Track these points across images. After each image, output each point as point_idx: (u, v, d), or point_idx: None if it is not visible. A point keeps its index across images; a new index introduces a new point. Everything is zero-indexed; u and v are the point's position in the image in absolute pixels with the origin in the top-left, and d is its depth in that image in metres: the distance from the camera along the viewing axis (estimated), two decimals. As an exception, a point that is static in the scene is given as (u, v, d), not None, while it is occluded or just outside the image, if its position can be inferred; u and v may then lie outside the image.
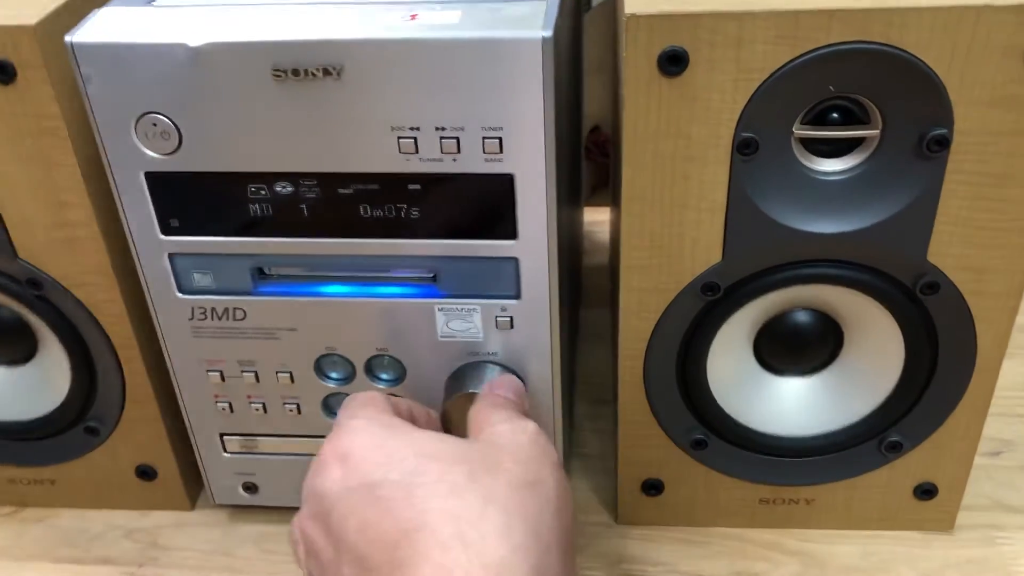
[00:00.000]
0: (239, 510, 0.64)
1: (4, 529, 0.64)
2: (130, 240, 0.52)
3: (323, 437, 0.57)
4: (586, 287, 0.83)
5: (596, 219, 0.91)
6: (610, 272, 0.84)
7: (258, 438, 0.59)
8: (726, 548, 0.60)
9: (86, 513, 0.64)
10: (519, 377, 0.54)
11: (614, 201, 0.69)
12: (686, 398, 0.56)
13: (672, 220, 0.49)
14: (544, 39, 0.43)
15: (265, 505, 0.62)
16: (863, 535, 0.60)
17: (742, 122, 0.46)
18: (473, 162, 0.47)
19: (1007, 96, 0.44)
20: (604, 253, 0.89)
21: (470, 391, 0.52)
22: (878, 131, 0.46)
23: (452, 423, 0.53)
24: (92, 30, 0.46)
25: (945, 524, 0.60)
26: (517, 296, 0.51)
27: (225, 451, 0.60)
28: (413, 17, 0.45)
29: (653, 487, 0.59)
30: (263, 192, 0.49)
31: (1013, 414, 0.68)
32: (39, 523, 0.64)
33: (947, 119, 0.45)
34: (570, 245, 0.62)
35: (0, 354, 0.60)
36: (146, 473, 0.62)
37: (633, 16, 0.43)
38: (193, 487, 0.64)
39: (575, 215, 0.65)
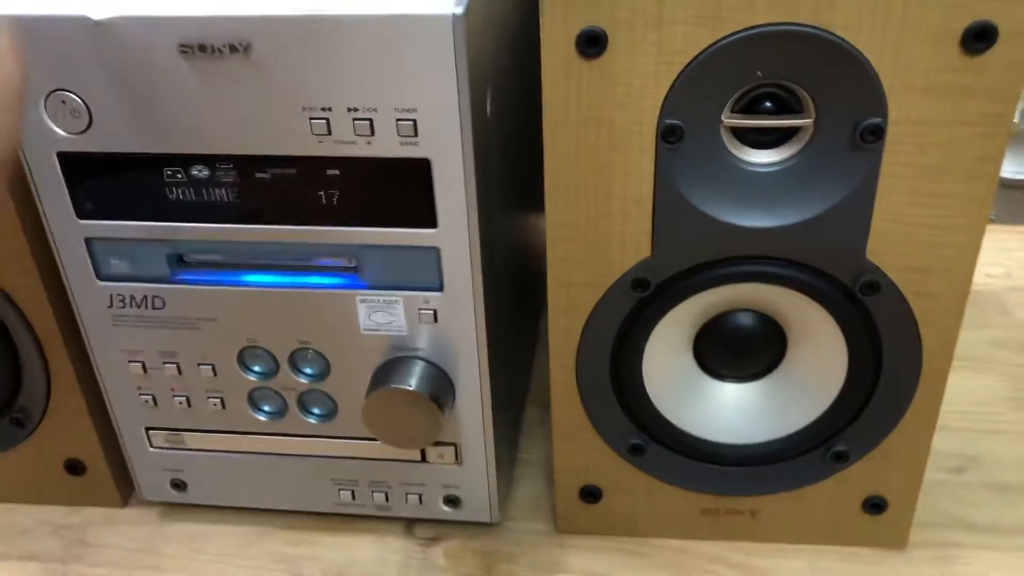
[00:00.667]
0: (171, 508, 0.62)
1: (-69, 521, 0.62)
2: (46, 224, 0.50)
3: (251, 434, 0.56)
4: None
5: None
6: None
7: (184, 433, 0.57)
8: (667, 560, 0.57)
9: (18, 508, 0.63)
10: (447, 376, 0.52)
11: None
12: (621, 401, 0.53)
13: (598, 212, 0.47)
14: (455, 16, 0.42)
15: (193, 503, 0.61)
16: (811, 550, 0.57)
17: (666, 108, 0.44)
18: (388, 145, 0.45)
19: (943, 84, 0.42)
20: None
21: (392, 386, 0.50)
22: (811, 121, 0.44)
23: (372, 420, 0.51)
24: (-2, 3, 0.45)
25: (897, 541, 0.57)
26: (440, 288, 0.49)
27: (151, 446, 0.58)
28: (324, -7, 0.43)
29: (591, 494, 0.57)
30: (179, 175, 0.48)
31: (978, 430, 0.65)
32: (-32, 517, 0.63)
33: (881, 108, 0.43)
34: (516, 242, 0.60)
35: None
36: (75, 467, 0.61)
37: (548, -6, 0.41)
38: (125, 483, 0.62)
39: (525, 211, 0.63)
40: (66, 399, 0.57)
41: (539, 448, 0.66)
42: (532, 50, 0.44)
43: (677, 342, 0.53)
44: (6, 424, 0.59)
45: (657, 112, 0.44)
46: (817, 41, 0.41)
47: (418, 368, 0.51)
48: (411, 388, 0.50)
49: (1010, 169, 1.10)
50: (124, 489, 0.63)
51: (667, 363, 0.53)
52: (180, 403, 0.56)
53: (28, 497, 0.63)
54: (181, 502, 0.61)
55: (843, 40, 0.41)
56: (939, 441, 0.54)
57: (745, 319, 0.52)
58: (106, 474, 0.61)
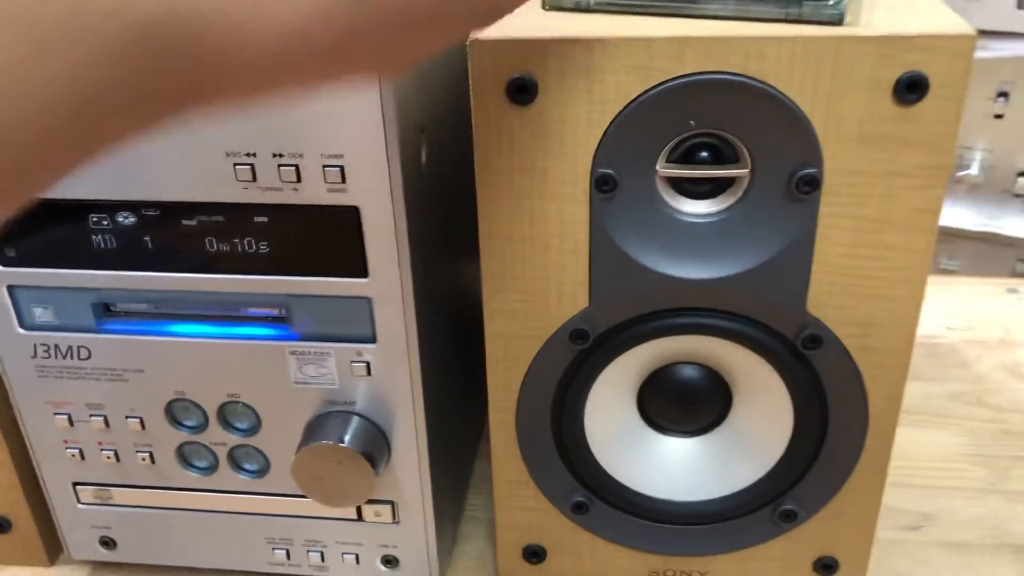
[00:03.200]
0: (100, 567, 0.60)
1: None
2: (-33, 271, 0.49)
3: (181, 490, 0.54)
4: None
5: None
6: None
7: (112, 488, 0.55)
8: (613, 623, 0.55)
9: (-60, 567, 0.60)
10: (381, 431, 0.50)
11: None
12: (563, 456, 0.52)
13: (534, 262, 0.46)
14: (380, 62, 0.41)
15: (124, 562, 0.58)
16: (762, 613, 0.55)
17: (599, 157, 0.43)
18: (315, 192, 0.44)
19: (878, 134, 0.41)
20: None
21: (322, 442, 0.49)
22: (747, 171, 0.43)
23: (302, 478, 0.50)
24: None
25: (850, 603, 0.55)
26: (373, 339, 0.48)
27: (79, 502, 0.56)
28: (250, 38, 0.42)
29: (535, 554, 0.55)
30: (105, 222, 0.46)
31: (936, 487, 0.64)
32: None
33: (816, 158, 0.42)
34: (460, 291, 0.59)
35: None
36: (0, 525, 0.58)
37: (476, 41, 0.41)
38: (52, 541, 0.60)
39: (460, 262, 0.61)
40: (-10, 453, 0.55)
41: (488, 505, 0.64)
42: (468, 96, 0.43)
43: (620, 395, 0.52)
44: (-72, 479, 0.57)
45: (590, 161, 0.43)
46: (748, 90, 0.41)
47: (351, 423, 0.50)
48: (342, 444, 0.48)
49: (974, 221, 1.10)
50: (51, 548, 0.60)
51: (610, 417, 0.52)
52: (108, 457, 0.53)
53: (-48, 555, 0.60)
54: (111, 560, 0.58)
55: (774, 89, 0.41)
56: (895, 498, 0.53)
57: (689, 372, 0.51)
58: (32, 532, 0.59)
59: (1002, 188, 1.02)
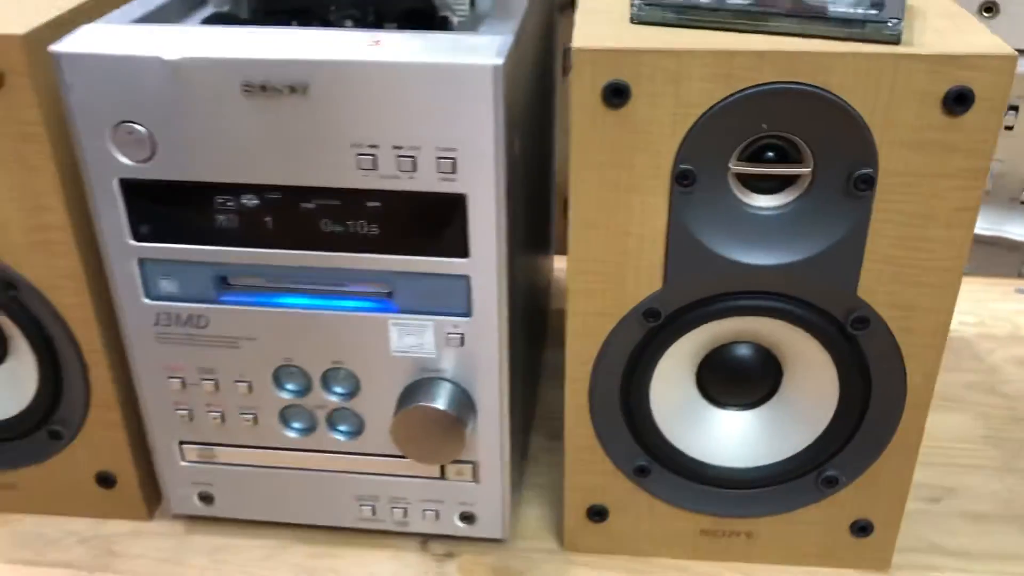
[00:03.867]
0: (195, 522, 0.65)
1: (-37, 530, 0.65)
2: (102, 244, 0.54)
3: (280, 449, 0.59)
4: (552, 329, 0.85)
5: (562, 267, 0.94)
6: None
7: (216, 448, 0.61)
8: (667, 578, 0.61)
9: (44, 519, 0.66)
10: (470, 397, 0.56)
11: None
12: (629, 424, 0.58)
13: (616, 247, 0.52)
14: (496, 67, 0.46)
15: (221, 517, 0.64)
16: (802, 571, 0.61)
17: (681, 154, 0.49)
18: (428, 181, 0.50)
19: (926, 140, 0.47)
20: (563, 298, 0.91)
21: (422, 404, 0.54)
22: (809, 170, 0.49)
23: (400, 436, 0.55)
24: (76, 42, 0.49)
25: (881, 563, 0.61)
26: (468, 314, 0.54)
27: (183, 460, 0.61)
28: (377, 43, 0.48)
29: (598, 513, 0.61)
30: (230, 203, 0.52)
31: (954, 464, 0.70)
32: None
33: (872, 160, 0.48)
34: (529, 278, 0.65)
35: (-29, 357, 0.62)
36: (106, 480, 0.64)
37: (579, 50, 0.46)
38: (152, 497, 0.65)
39: (537, 251, 0.67)
40: (103, 413, 0.61)
41: (544, 473, 0.70)
42: (543, 98, 0.48)
43: (681, 371, 0.57)
44: (43, 436, 0.62)
45: (673, 158, 0.49)
46: (816, 98, 0.47)
47: (445, 388, 0.55)
48: (440, 407, 0.54)
49: (982, 226, 1.16)
50: (150, 503, 0.66)
51: (672, 390, 0.57)
52: (215, 419, 0.59)
53: (56, 509, 0.65)
54: (206, 515, 0.64)
55: (839, 98, 0.46)
56: (918, 473, 0.58)
57: (744, 351, 0.57)
58: (135, 488, 0.64)
59: (1010, 196, 1.08)
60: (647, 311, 0.53)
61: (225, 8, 0.58)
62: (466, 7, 0.59)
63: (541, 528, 0.65)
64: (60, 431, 0.62)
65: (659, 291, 0.53)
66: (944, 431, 0.72)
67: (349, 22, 0.59)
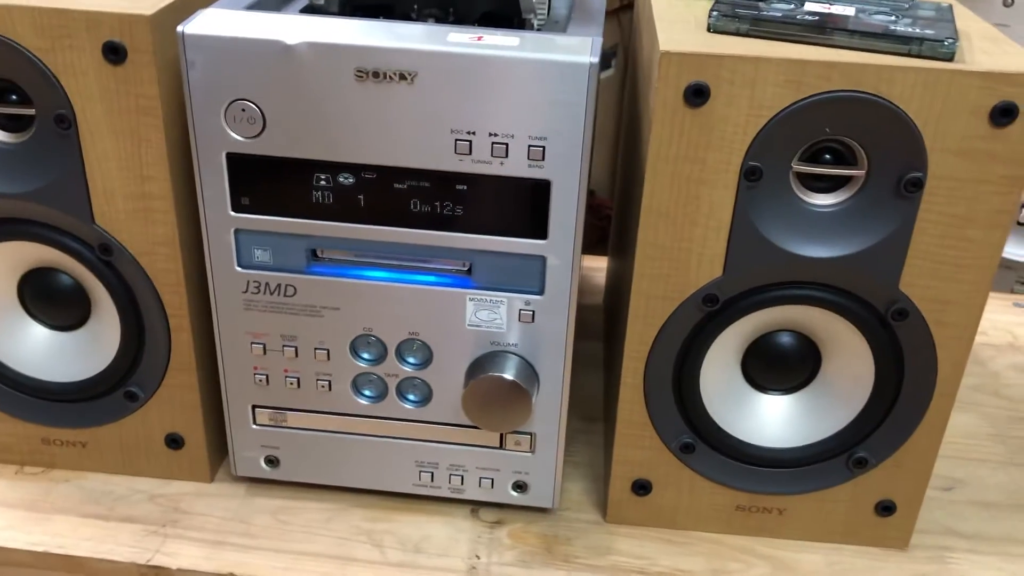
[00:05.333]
0: (256, 485, 0.69)
1: (34, 485, 0.68)
2: (202, 215, 0.58)
3: (349, 415, 0.63)
4: (580, 321, 0.90)
5: (589, 265, 0.99)
6: (605, 310, 0.91)
7: (287, 412, 0.64)
8: (704, 550, 0.65)
9: (111, 478, 0.69)
10: (535, 371, 0.60)
11: (618, 246, 0.76)
12: (679, 403, 0.62)
13: (683, 235, 0.56)
14: (591, 64, 0.51)
15: (282, 480, 0.67)
16: (827, 547, 0.66)
17: (750, 152, 0.53)
18: (517, 167, 0.54)
19: (972, 149, 0.52)
20: (596, 295, 0.96)
21: (488, 374, 0.59)
22: (864, 172, 0.54)
23: (471, 404, 0.59)
24: (201, 23, 0.53)
25: (901, 541, 0.66)
26: (541, 292, 0.58)
27: (254, 423, 0.65)
28: (479, 38, 0.53)
29: (643, 487, 0.65)
30: (327, 180, 0.56)
31: (965, 457, 0.75)
32: (67, 483, 0.68)
33: (922, 164, 0.53)
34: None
35: (53, 318, 0.66)
36: (175, 441, 0.67)
37: (666, 53, 0.51)
38: (215, 460, 0.69)
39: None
40: (181, 377, 0.64)
41: (581, 452, 0.74)
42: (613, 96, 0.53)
43: (729, 357, 0.62)
44: (119, 397, 0.66)
45: (743, 155, 0.54)
46: (877, 106, 0.52)
47: (514, 362, 0.60)
48: (512, 378, 0.58)
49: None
50: (213, 465, 0.69)
51: (719, 374, 0.62)
52: (290, 384, 0.63)
53: (123, 468, 0.69)
54: (270, 478, 0.67)
55: (898, 107, 0.52)
56: (932, 464, 0.64)
57: (787, 338, 0.61)
58: (201, 450, 0.68)
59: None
60: (706, 296, 0.58)
61: (320, 1, 0.62)
62: (545, 11, 0.63)
63: (584, 502, 0.69)
64: (136, 393, 0.65)
65: (719, 278, 0.57)
66: (952, 429, 0.77)
67: (431, 20, 0.64)
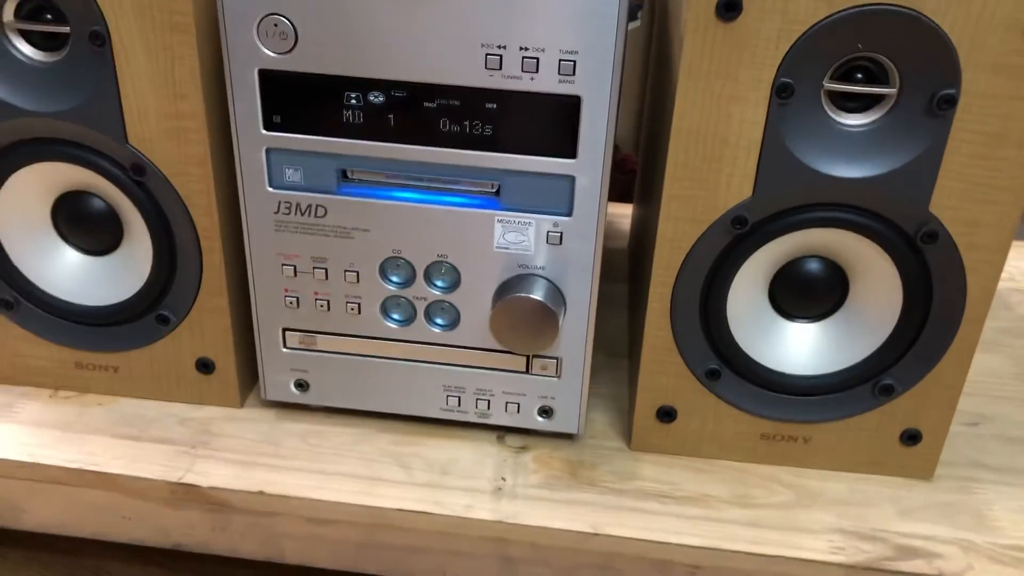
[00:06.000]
0: (285, 410, 0.69)
1: (68, 407, 0.69)
2: (234, 133, 0.58)
3: (378, 339, 0.64)
4: (605, 262, 0.90)
5: (614, 212, 1.00)
6: (630, 254, 0.91)
7: (317, 335, 0.65)
8: (728, 477, 0.66)
9: (142, 403, 0.70)
10: (562, 293, 0.61)
11: (644, 193, 0.76)
12: (706, 329, 0.62)
13: (713, 155, 0.56)
14: (623, -24, 0.51)
15: (311, 405, 0.68)
16: (852, 477, 0.66)
17: (782, 68, 0.53)
18: (547, 82, 0.54)
19: (1007, 64, 0.52)
20: (620, 239, 0.96)
21: (517, 294, 0.59)
22: (895, 90, 0.54)
23: (497, 329, 0.60)
24: (235, -63, 0.53)
25: (926, 472, 0.66)
26: (569, 213, 0.58)
27: (285, 346, 0.66)
28: (511, -48, 0.53)
29: (667, 414, 0.66)
30: (358, 98, 0.56)
31: (990, 395, 0.75)
32: (100, 406, 0.69)
33: (956, 81, 0.53)
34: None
35: (86, 243, 0.66)
36: (206, 366, 0.68)
37: (699, -35, 0.51)
38: (245, 385, 0.70)
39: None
40: (212, 300, 0.65)
41: (606, 384, 0.74)
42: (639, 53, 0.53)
43: (756, 283, 0.62)
44: (151, 321, 0.67)
45: (775, 71, 0.53)
46: (911, 21, 0.51)
47: (542, 284, 0.60)
48: (539, 298, 0.59)
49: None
50: (243, 391, 0.70)
51: (747, 300, 0.62)
52: (321, 306, 0.63)
53: (155, 393, 0.70)
54: (300, 403, 0.68)
55: (932, 21, 0.51)
56: (959, 403, 0.63)
57: (815, 264, 0.61)
58: (232, 375, 0.68)
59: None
60: (736, 218, 0.58)
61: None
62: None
63: (608, 430, 0.70)
64: (168, 316, 0.66)
65: (748, 199, 0.57)
66: (979, 367, 0.77)
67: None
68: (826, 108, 0.55)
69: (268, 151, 0.59)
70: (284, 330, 0.65)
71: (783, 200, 0.57)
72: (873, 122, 0.55)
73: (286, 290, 0.63)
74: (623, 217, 1.00)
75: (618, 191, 0.99)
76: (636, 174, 0.94)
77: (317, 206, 0.60)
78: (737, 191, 0.57)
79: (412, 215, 0.60)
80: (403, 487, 0.63)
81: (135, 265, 0.65)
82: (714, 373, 0.64)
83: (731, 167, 0.57)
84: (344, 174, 0.59)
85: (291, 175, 0.59)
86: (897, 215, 0.57)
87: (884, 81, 0.54)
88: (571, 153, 0.56)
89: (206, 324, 0.66)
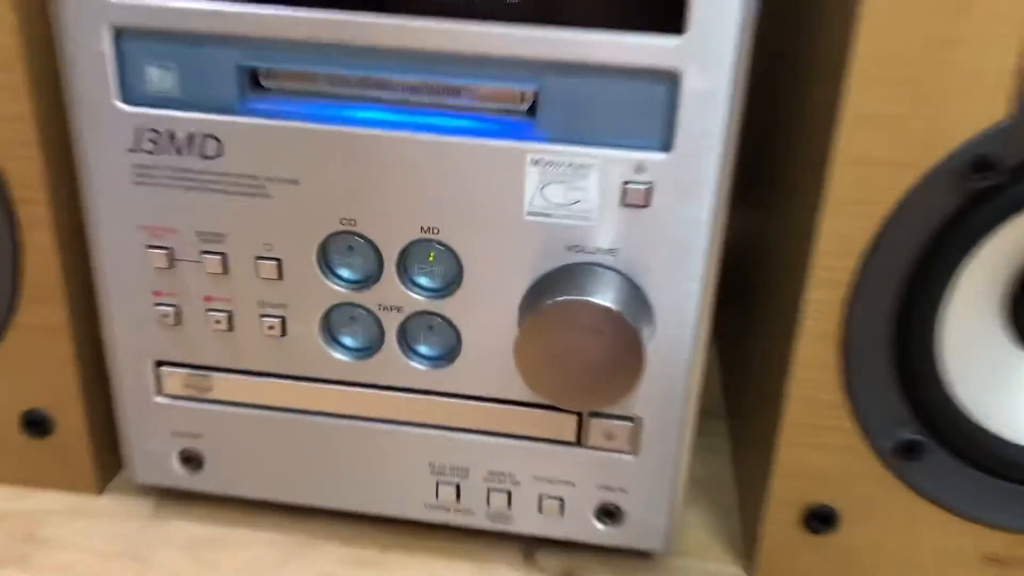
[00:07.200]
0: (171, 498, 0.42)
1: None
2: (60, 15, 0.32)
3: (317, 381, 0.37)
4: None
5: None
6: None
7: (213, 373, 0.38)
8: (926, 632, 0.38)
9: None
10: (643, 294, 0.33)
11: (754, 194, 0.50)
12: (901, 372, 0.35)
13: (935, 37, 0.29)
14: None
15: (207, 492, 0.41)
16: None
17: None
18: None
19: None
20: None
21: (566, 298, 0.32)
22: None
23: (529, 364, 0.32)
24: None
25: None
26: (667, 147, 0.31)
27: (160, 393, 0.39)
28: None
29: (821, 519, 0.38)
30: (275, -70, 0.30)
31: None
32: None
33: None
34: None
35: None
36: (37, 424, 0.41)
37: None
38: (105, 456, 0.43)
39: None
40: (40, 310, 0.39)
41: (698, 464, 0.47)
42: None
43: (988, 293, 0.35)
44: (-57, 348, 0.40)
45: None
46: None
47: (609, 281, 0.33)
48: (607, 305, 0.31)
49: None
50: (104, 464, 0.43)
51: (971, 323, 0.35)
52: (217, 322, 0.36)
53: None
54: (189, 488, 0.41)
55: None
56: None
57: (1098, 259, 0.34)
58: (81, 437, 0.42)
59: None
60: (976, 160, 0.31)
61: None
62: None
63: (712, 543, 0.42)
64: (-30, 339, 0.39)
65: (1003, 124, 0.30)
66: None
67: None
68: None
69: (117, 34, 0.32)
70: (157, 364, 0.38)
71: (1074, 123, 0.30)
72: None
73: (156, 293, 0.36)
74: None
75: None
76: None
77: (205, 136, 0.33)
78: (980, 109, 0.31)
79: (376, 153, 0.33)
80: (354, 651, 0.35)
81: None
82: (911, 448, 0.36)
83: (971, 63, 0.30)
84: (253, 77, 0.33)
85: (159, 79, 0.33)
86: None
87: None
88: (673, 23, 0.30)
89: (33, 354, 0.39)
